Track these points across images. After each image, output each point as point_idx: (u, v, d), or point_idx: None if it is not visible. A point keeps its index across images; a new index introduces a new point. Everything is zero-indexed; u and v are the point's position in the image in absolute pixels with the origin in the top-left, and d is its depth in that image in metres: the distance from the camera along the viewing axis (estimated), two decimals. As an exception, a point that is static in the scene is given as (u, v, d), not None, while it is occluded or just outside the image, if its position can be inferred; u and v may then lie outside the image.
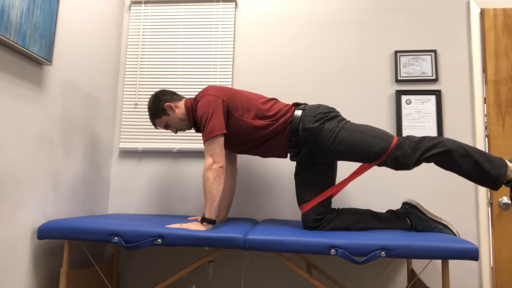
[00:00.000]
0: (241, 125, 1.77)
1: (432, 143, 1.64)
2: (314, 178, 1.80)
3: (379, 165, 1.71)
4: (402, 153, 1.64)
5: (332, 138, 1.70)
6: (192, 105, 1.85)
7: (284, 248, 1.48)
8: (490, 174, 1.58)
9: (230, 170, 2.05)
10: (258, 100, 1.82)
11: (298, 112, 1.78)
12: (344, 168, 2.24)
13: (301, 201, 1.79)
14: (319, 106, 1.80)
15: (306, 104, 1.86)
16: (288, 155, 1.87)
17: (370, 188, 2.22)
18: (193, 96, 2.00)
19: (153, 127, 2.38)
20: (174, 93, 1.91)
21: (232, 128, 1.78)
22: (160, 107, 1.86)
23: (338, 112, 1.81)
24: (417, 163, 1.65)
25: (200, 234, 1.51)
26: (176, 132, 1.93)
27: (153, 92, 2.03)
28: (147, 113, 2.10)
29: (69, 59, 1.91)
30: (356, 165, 2.23)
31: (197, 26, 2.44)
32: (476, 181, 1.64)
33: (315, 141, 1.73)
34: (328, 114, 1.76)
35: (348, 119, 2.29)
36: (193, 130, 2.34)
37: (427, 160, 1.65)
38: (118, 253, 2.22)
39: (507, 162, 1.62)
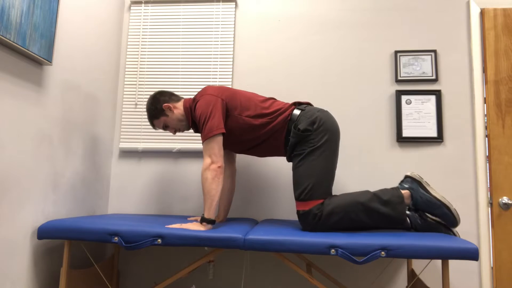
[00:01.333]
0: (240, 123, 1.77)
1: (328, 210, 1.63)
2: (305, 168, 1.78)
3: (298, 214, 1.70)
4: (308, 220, 1.65)
5: (301, 148, 1.71)
6: (191, 106, 1.85)
7: (284, 248, 1.48)
8: (392, 217, 1.64)
9: (230, 170, 2.05)
10: (257, 99, 1.82)
11: (297, 112, 1.78)
12: (343, 167, 2.24)
13: (297, 196, 1.78)
14: (319, 110, 1.79)
15: (308, 104, 1.86)
16: (286, 155, 1.87)
17: (370, 188, 2.22)
18: (192, 97, 2.00)
19: (155, 129, 2.37)
20: (172, 94, 1.91)
21: (232, 127, 1.78)
22: (158, 108, 1.86)
23: (335, 128, 1.76)
24: (320, 230, 1.65)
25: (200, 234, 1.51)
26: (174, 132, 1.93)
27: (152, 93, 2.04)
28: (147, 115, 2.09)
29: (69, 59, 1.91)
30: (350, 156, 2.23)
31: (197, 26, 2.44)
32: (385, 227, 1.69)
33: (297, 142, 1.74)
34: (322, 124, 1.73)
35: (348, 119, 2.29)
36: (195, 133, 2.34)
37: (332, 228, 1.65)
38: (118, 253, 2.22)
39: (402, 192, 1.68)
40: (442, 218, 1.67)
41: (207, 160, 1.65)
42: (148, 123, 2.39)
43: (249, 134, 1.79)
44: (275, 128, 1.77)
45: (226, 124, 1.77)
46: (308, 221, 1.65)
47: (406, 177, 1.77)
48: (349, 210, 1.63)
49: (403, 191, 1.70)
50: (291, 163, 2.28)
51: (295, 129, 1.73)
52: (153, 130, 2.37)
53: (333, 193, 1.88)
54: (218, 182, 1.64)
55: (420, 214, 1.78)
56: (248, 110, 1.78)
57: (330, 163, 1.72)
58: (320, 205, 1.65)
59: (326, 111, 1.81)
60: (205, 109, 1.71)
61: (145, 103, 2.40)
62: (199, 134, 2.34)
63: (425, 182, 1.71)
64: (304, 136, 1.72)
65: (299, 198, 1.68)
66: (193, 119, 1.87)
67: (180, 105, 1.89)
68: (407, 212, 1.81)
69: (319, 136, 1.71)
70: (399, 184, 1.76)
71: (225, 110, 1.75)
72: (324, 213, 1.64)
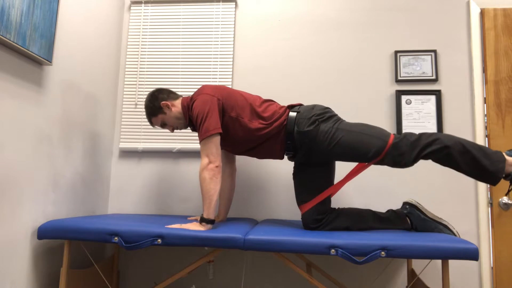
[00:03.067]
0: (236, 126, 1.77)
1: (429, 140, 1.63)
2: (313, 179, 1.79)
3: (377, 163, 1.70)
4: (399, 152, 1.64)
5: (328, 140, 1.70)
6: (188, 104, 1.84)
7: (284, 248, 1.48)
8: (488, 170, 1.58)
9: (229, 169, 2.05)
10: (253, 101, 1.82)
11: (293, 115, 1.77)
12: (343, 168, 2.24)
13: (300, 201, 1.79)
14: (313, 107, 1.79)
15: (300, 105, 1.85)
16: (286, 156, 1.87)
17: (370, 188, 2.22)
18: (190, 95, 2.00)
19: (153, 127, 2.37)
20: (170, 92, 1.91)
21: (228, 129, 1.77)
22: (156, 105, 1.86)
23: (333, 112, 1.80)
24: (414, 161, 1.65)
25: (200, 234, 1.51)
26: (172, 130, 1.93)
27: (151, 88, 2.03)
28: (145, 113, 2.09)
29: (69, 59, 1.91)
30: (353, 164, 2.23)
31: (197, 26, 2.44)
32: (474, 177, 1.64)
33: (311, 144, 1.72)
34: (323, 115, 1.74)
35: (348, 119, 2.29)
36: (192, 131, 2.34)
37: (425, 158, 1.64)
38: (118, 253, 2.22)
39: (505, 156, 1.62)
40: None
41: (205, 160, 1.65)
42: (148, 124, 2.39)
43: (245, 137, 1.78)
44: (271, 133, 1.77)
45: (222, 125, 1.76)
46: (400, 151, 1.63)
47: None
48: (449, 145, 1.60)
49: (508, 157, 1.62)
50: (290, 163, 2.28)
51: (300, 130, 1.72)
52: (153, 130, 2.37)
53: (334, 194, 1.88)
54: (216, 182, 1.64)
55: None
56: (244, 112, 1.77)
57: (356, 123, 1.75)
58: (396, 135, 1.66)
59: (317, 104, 1.82)
60: (202, 108, 1.70)
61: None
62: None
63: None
64: (315, 131, 1.71)
65: (380, 151, 1.64)
66: (190, 118, 1.86)
67: (178, 103, 1.88)
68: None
69: (328, 122, 1.73)
70: (508, 150, 1.68)
71: (221, 109, 1.75)
72: (423, 141, 1.62)
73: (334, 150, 1.70)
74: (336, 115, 1.79)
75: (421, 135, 1.66)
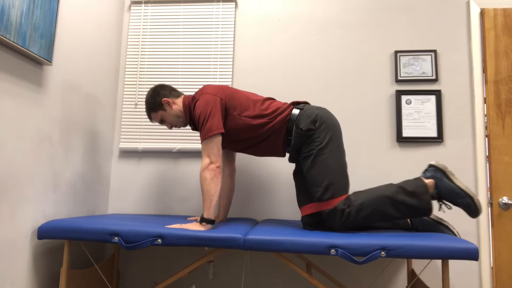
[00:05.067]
0: (239, 123, 1.77)
1: (357, 206, 1.63)
2: None
3: (322, 215, 1.69)
4: (330, 220, 1.65)
5: (309, 149, 1.70)
6: (190, 104, 1.84)
7: (284, 248, 1.48)
8: (419, 208, 1.64)
9: (229, 169, 2.05)
10: (256, 100, 1.82)
11: (296, 111, 1.78)
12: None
13: (301, 203, 1.79)
14: (318, 108, 1.79)
15: (306, 103, 1.86)
16: (287, 155, 1.87)
17: (370, 188, 2.22)
18: (192, 94, 2.00)
19: (153, 127, 2.38)
20: (173, 89, 1.91)
21: (230, 127, 1.77)
22: (157, 101, 1.86)
23: (337, 123, 1.77)
24: (342, 230, 1.66)
25: (200, 234, 1.51)
26: (170, 127, 1.93)
27: (152, 86, 2.03)
28: (145, 107, 2.08)
29: (69, 59, 1.91)
30: (355, 168, 2.23)
31: (197, 26, 2.44)
32: (410, 217, 1.68)
33: (301, 143, 1.73)
34: (324, 122, 1.73)
35: (348, 119, 2.29)
36: (192, 130, 2.34)
37: (360, 223, 1.65)
38: (118, 253, 2.22)
39: (424, 180, 1.67)
40: (465, 208, 1.65)
41: (206, 160, 1.65)
42: (148, 123, 2.39)
43: (247, 133, 1.79)
44: (274, 128, 1.77)
45: (224, 124, 1.77)
46: (336, 219, 1.64)
47: (430, 166, 1.74)
48: (377, 204, 1.63)
49: (426, 180, 1.69)
50: (292, 164, 2.28)
51: (297, 128, 1.73)
52: (153, 130, 2.37)
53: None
54: (217, 182, 1.64)
55: (446, 178, 1.76)
56: (247, 111, 1.78)
57: (341, 157, 1.72)
58: (345, 200, 1.64)
59: (325, 108, 1.81)
60: (204, 108, 1.70)
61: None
62: (199, 134, 2.34)
63: (450, 171, 1.69)
64: (308, 136, 1.71)
65: (321, 199, 1.66)
66: (191, 117, 1.86)
67: (179, 101, 1.88)
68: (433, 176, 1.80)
69: (323, 134, 1.71)
70: (423, 172, 1.75)
71: (224, 109, 1.75)
72: (353, 209, 1.63)
73: (305, 161, 1.72)
74: (337, 131, 1.75)
75: (350, 203, 1.64)
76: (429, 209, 1.65)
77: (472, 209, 1.64)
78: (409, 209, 1.64)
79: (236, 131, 1.79)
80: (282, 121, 1.77)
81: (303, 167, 1.74)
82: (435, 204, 2.16)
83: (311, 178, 1.69)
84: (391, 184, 1.70)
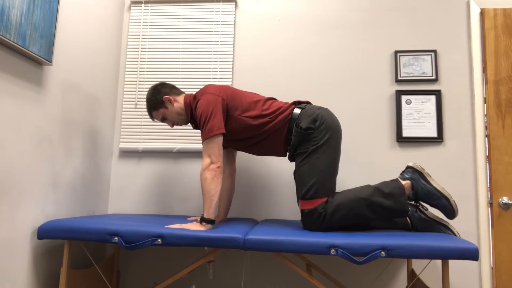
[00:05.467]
0: (240, 123, 1.77)
1: (332, 209, 1.64)
2: None
3: (301, 214, 1.70)
4: (309, 221, 1.66)
5: (304, 147, 1.71)
6: (191, 103, 1.84)
7: (284, 248, 1.48)
8: (394, 210, 1.65)
9: (229, 170, 2.05)
10: (258, 100, 1.82)
11: (297, 111, 1.78)
12: (343, 167, 2.24)
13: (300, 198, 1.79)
14: (319, 108, 1.79)
15: (307, 103, 1.86)
16: (288, 154, 1.87)
17: (370, 188, 2.22)
18: (193, 93, 2.00)
19: (153, 127, 2.38)
20: (173, 87, 1.92)
21: (232, 127, 1.78)
22: (159, 99, 1.86)
23: (337, 124, 1.77)
24: (325, 229, 1.66)
25: (200, 234, 1.51)
26: (172, 125, 1.93)
27: (153, 84, 2.03)
28: (146, 106, 2.08)
29: (69, 59, 1.91)
30: (355, 168, 2.23)
31: (197, 26, 2.44)
32: (388, 219, 1.70)
33: (299, 141, 1.74)
34: (324, 122, 1.73)
35: (348, 119, 2.29)
36: (192, 130, 2.34)
37: (337, 225, 1.66)
38: (118, 253, 2.22)
39: (401, 182, 1.68)
40: (441, 209, 1.68)
41: (207, 160, 1.65)
42: (149, 123, 2.39)
43: (248, 133, 1.79)
44: (276, 127, 1.77)
45: (226, 124, 1.77)
46: (313, 220, 1.65)
47: (408, 167, 1.76)
48: (352, 206, 1.64)
49: (403, 181, 1.70)
50: (292, 164, 2.28)
51: (297, 127, 1.73)
52: (153, 130, 2.37)
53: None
54: (217, 182, 1.64)
55: (420, 211, 1.78)
56: (249, 111, 1.78)
57: (333, 160, 1.72)
58: (324, 203, 1.65)
59: (327, 109, 1.81)
60: (206, 108, 1.71)
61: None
62: (199, 134, 2.34)
63: (427, 173, 1.71)
64: (307, 135, 1.72)
65: (304, 197, 1.67)
66: (192, 115, 1.87)
67: (180, 99, 1.89)
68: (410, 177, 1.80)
69: (321, 134, 1.72)
70: (400, 174, 1.76)
71: (225, 109, 1.75)
72: (328, 211, 1.64)
73: (298, 157, 1.73)
74: (336, 133, 1.76)
75: (328, 205, 1.65)
76: (406, 211, 1.66)
77: (448, 210, 1.67)
78: (385, 210, 1.65)
79: (237, 131, 1.79)
80: (283, 121, 1.77)
81: (296, 164, 1.75)
82: (432, 207, 2.16)
83: (299, 176, 1.71)
84: (368, 186, 1.71)
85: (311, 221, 1.66)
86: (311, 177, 1.67)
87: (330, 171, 1.70)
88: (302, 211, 1.69)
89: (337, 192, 1.72)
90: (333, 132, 1.74)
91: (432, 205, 1.70)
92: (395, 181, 1.70)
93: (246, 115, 1.77)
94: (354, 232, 1.68)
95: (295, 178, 1.79)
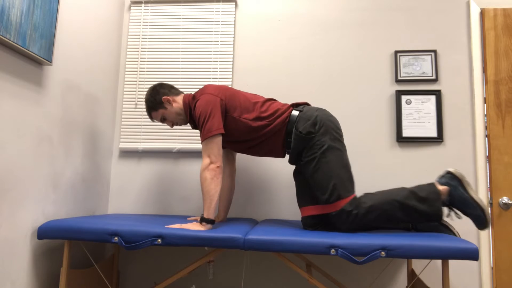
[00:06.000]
0: (238, 125, 1.77)
1: (365, 209, 1.63)
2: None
3: (329, 217, 1.69)
4: (341, 220, 1.64)
5: (309, 157, 1.70)
6: (190, 103, 1.84)
7: (284, 248, 1.48)
8: (428, 214, 1.64)
9: (229, 170, 2.05)
10: (256, 101, 1.82)
11: (295, 113, 1.77)
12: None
13: (301, 204, 1.79)
14: (317, 109, 1.79)
15: (305, 104, 1.86)
16: (287, 156, 1.87)
17: (370, 189, 2.22)
18: (192, 93, 2.00)
19: (153, 127, 2.38)
20: (172, 87, 1.91)
21: (230, 128, 1.78)
22: (157, 99, 1.86)
23: (336, 123, 1.77)
24: (350, 231, 1.66)
25: (200, 234, 1.51)
26: (172, 126, 1.93)
27: (151, 85, 2.03)
28: (145, 107, 2.08)
29: (69, 59, 1.91)
30: (355, 168, 2.23)
31: (197, 26, 2.44)
32: (420, 222, 1.69)
33: (301, 147, 1.73)
34: (323, 124, 1.72)
35: (348, 119, 2.29)
36: (192, 130, 2.34)
37: (368, 226, 1.66)
38: (118, 253, 2.22)
39: (438, 186, 1.66)
40: (474, 219, 1.66)
41: (206, 160, 1.65)
42: (148, 123, 2.39)
43: (246, 135, 1.79)
44: (274, 130, 1.77)
45: (224, 125, 1.77)
46: (342, 220, 1.64)
47: (448, 172, 1.73)
48: (386, 208, 1.63)
49: (441, 187, 1.68)
50: (292, 165, 2.28)
51: (296, 131, 1.73)
52: (153, 130, 2.37)
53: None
54: (217, 182, 1.64)
55: (461, 187, 1.76)
56: (247, 113, 1.78)
57: (344, 159, 1.72)
58: (351, 201, 1.64)
59: (324, 109, 1.81)
60: (205, 109, 1.70)
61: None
62: (199, 134, 2.34)
63: (466, 181, 1.68)
64: (309, 140, 1.71)
65: (328, 201, 1.65)
66: (191, 116, 1.86)
67: (179, 99, 1.89)
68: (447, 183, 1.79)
69: (324, 137, 1.71)
70: (438, 178, 1.74)
71: (224, 110, 1.75)
72: (361, 211, 1.63)
73: (307, 166, 1.71)
74: (337, 132, 1.75)
75: (358, 204, 1.64)
76: (440, 216, 1.65)
77: (481, 221, 1.64)
78: (419, 214, 1.64)
79: (235, 133, 1.79)
80: (281, 123, 1.77)
81: (305, 171, 1.73)
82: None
83: (316, 182, 1.69)
84: (403, 188, 1.69)
85: (341, 221, 1.65)
86: (329, 180, 1.66)
87: (344, 169, 1.69)
88: (330, 214, 1.67)
89: (370, 193, 1.71)
90: (335, 132, 1.74)
91: (465, 214, 1.68)
92: (432, 185, 1.68)
93: (244, 116, 1.77)
94: (354, 232, 1.68)
95: (310, 184, 1.77)
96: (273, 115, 1.78)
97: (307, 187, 1.78)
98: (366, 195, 1.69)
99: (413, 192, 1.66)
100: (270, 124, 1.77)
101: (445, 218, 2.14)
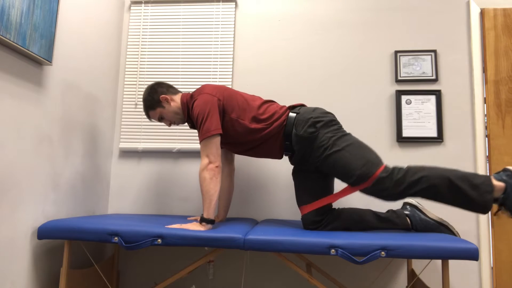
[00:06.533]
0: (236, 126, 1.77)
1: (415, 178, 1.60)
2: (312, 182, 1.79)
3: (361, 191, 1.67)
4: (382, 187, 1.61)
5: (321, 151, 1.69)
6: (188, 102, 1.84)
7: (284, 248, 1.48)
8: (476, 203, 1.57)
9: (228, 169, 2.05)
10: (254, 102, 1.82)
11: (292, 116, 1.77)
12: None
13: (300, 202, 1.79)
14: (314, 109, 1.78)
15: (301, 106, 1.85)
16: (292, 160, 1.86)
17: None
18: (190, 92, 1.99)
19: (153, 127, 2.38)
20: (170, 86, 1.91)
21: (228, 129, 1.77)
22: (155, 98, 1.86)
23: (332, 117, 1.78)
24: (398, 198, 1.63)
25: (200, 234, 1.51)
26: (169, 125, 1.92)
27: (149, 84, 2.03)
28: (143, 106, 2.08)
29: (69, 59, 1.91)
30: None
31: (197, 26, 2.44)
32: (463, 209, 1.62)
33: (306, 149, 1.73)
34: (321, 119, 1.73)
35: (348, 119, 2.29)
36: (192, 130, 2.34)
37: (412, 196, 1.63)
38: (118, 253, 2.22)
39: (494, 181, 1.58)
40: None
41: (205, 160, 1.65)
42: (148, 122, 2.39)
43: (244, 137, 1.78)
44: (271, 134, 1.77)
45: (222, 126, 1.76)
46: (383, 187, 1.60)
47: (506, 169, 1.63)
48: (435, 183, 1.58)
49: (497, 183, 1.60)
50: (292, 164, 2.28)
51: (298, 134, 1.72)
52: (153, 130, 2.37)
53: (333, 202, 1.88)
54: (216, 182, 1.64)
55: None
56: (245, 114, 1.77)
57: (355, 140, 1.71)
58: (384, 169, 1.62)
59: (320, 108, 1.81)
60: (203, 108, 1.70)
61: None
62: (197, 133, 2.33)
63: None
64: (313, 139, 1.71)
65: (362, 180, 1.62)
66: (189, 115, 1.86)
67: (177, 98, 1.88)
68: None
69: (327, 130, 1.71)
70: (496, 173, 1.65)
71: (221, 110, 1.75)
72: (408, 179, 1.60)
73: (324, 163, 1.70)
74: (335, 121, 1.77)
75: (408, 170, 1.62)
76: (487, 209, 1.57)
77: None
78: (466, 200, 1.58)
79: (232, 134, 1.78)
80: (278, 127, 1.76)
81: (323, 169, 1.72)
82: (432, 206, 2.16)
83: (341, 172, 1.67)
84: (457, 170, 1.63)
85: (380, 190, 1.61)
86: (353, 163, 1.64)
87: (361, 149, 1.68)
88: (365, 189, 1.64)
89: (421, 166, 1.65)
90: (334, 123, 1.75)
91: None
92: (488, 177, 1.60)
93: (242, 117, 1.76)
94: (354, 232, 1.68)
95: (295, 179, 1.79)
96: (271, 118, 1.77)
97: (307, 185, 1.78)
98: (415, 166, 1.64)
99: (467, 176, 1.59)
100: (268, 127, 1.76)
101: (438, 213, 2.14)
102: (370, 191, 1.64)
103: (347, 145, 1.68)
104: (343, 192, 1.73)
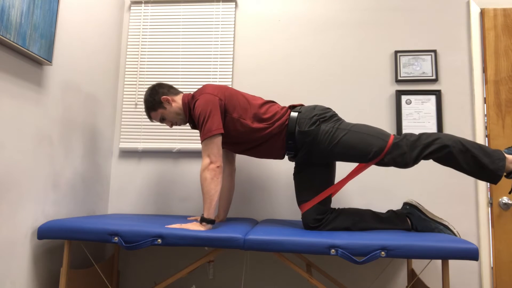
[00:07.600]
0: (237, 126, 1.77)
1: (429, 140, 1.63)
2: (313, 178, 1.79)
3: (377, 164, 1.70)
4: (400, 152, 1.64)
5: (328, 140, 1.70)
6: (189, 102, 1.84)
7: (284, 248, 1.48)
8: (488, 169, 1.58)
9: (229, 169, 2.05)
10: (255, 102, 1.82)
11: (294, 115, 1.77)
12: (343, 168, 2.24)
13: (300, 201, 1.79)
14: (314, 107, 1.80)
15: (302, 105, 1.86)
16: (287, 156, 1.87)
17: (370, 188, 2.22)
18: (191, 92, 1.99)
19: (153, 127, 2.38)
20: (171, 87, 1.91)
21: (229, 129, 1.78)
22: (156, 99, 1.86)
23: (334, 112, 1.81)
24: (415, 161, 1.65)
25: (200, 234, 1.51)
26: (171, 126, 1.93)
27: (150, 85, 2.03)
28: (144, 107, 2.08)
29: (69, 59, 1.91)
30: (354, 164, 2.23)
31: (197, 26, 2.44)
32: (475, 176, 1.64)
33: (312, 144, 1.73)
34: (324, 115, 1.75)
35: (348, 119, 2.29)
36: (192, 130, 2.34)
37: (426, 158, 1.65)
38: (118, 253, 2.22)
39: (505, 154, 1.62)
40: None
41: (206, 160, 1.65)
42: (148, 122, 2.39)
43: (246, 137, 1.79)
44: (273, 133, 1.77)
45: (224, 125, 1.76)
46: (399, 152, 1.64)
47: None
48: (449, 143, 1.61)
49: (508, 155, 1.62)
50: (290, 163, 2.28)
51: (301, 129, 1.73)
52: (153, 130, 2.37)
53: (334, 194, 1.88)
54: (217, 182, 1.64)
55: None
56: (246, 113, 1.78)
57: (359, 124, 1.74)
58: (395, 137, 1.66)
59: (320, 105, 1.83)
60: (204, 108, 1.70)
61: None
62: (199, 134, 2.33)
63: None
64: (316, 131, 1.71)
65: (381, 150, 1.65)
66: (190, 115, 1.86)
67: (178, 98, 1.88)
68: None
69: (327, 119, 1.73)
70: (506, 148, 1.68)
71: (223, 110, 1.75)
72: (423, 141, 1.63)
73: (334, 149, 1.70)
74: (337, 115, 1.80)
75: (421, 135, 1.67)
76: (498, 176, 1.59)
77: None
78: (478, 166, 1.60)
79: (234, 133, 1.78)
80: (280, 126, 1.77)
81: (333, 157, 1.74)
82: (432, 206, 2.16)
83: (357, 150, 1.68)
84: (471, 140, 1.66)
85: (396, 155, 1.64)
86: (367, 139, 1.67)
87: (365, 126, 1.72)
88: (384, 157, 1.66)
89: (433, 132, 1.68)
90: (335, 117, 1.77)
91: None
92: (499, 150, 1.63)
93: (243, 117, 1.77)
94: (354, 232, 1.68)
95: (295, 179, 1.79)
96: (272, 118, 1.78)
97: (308, 181, 1.79)
98: (426, 132, 1.68)
99: (479, 145, 1.62)
100: (270, 127, 1.76)
101: (438, 213, 2.14)
102: (388, 159, 1.66)
103: (352, 126, 1.72)
104: (356, 172, 1.76)
